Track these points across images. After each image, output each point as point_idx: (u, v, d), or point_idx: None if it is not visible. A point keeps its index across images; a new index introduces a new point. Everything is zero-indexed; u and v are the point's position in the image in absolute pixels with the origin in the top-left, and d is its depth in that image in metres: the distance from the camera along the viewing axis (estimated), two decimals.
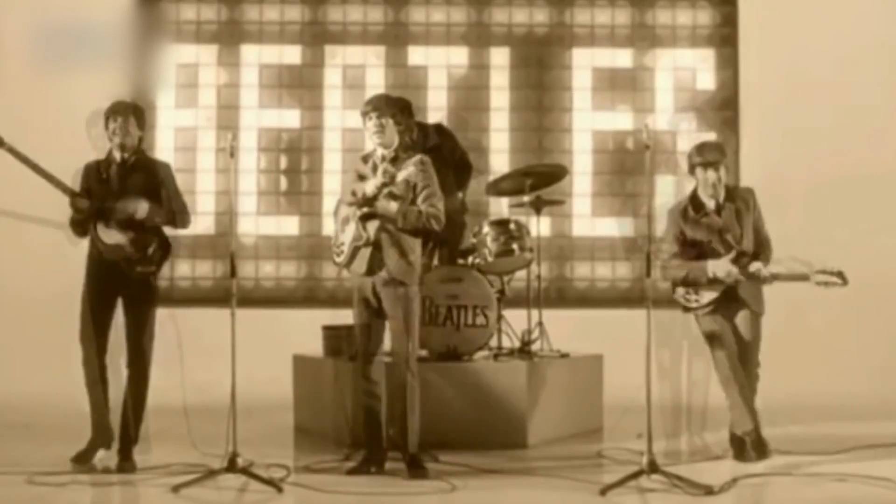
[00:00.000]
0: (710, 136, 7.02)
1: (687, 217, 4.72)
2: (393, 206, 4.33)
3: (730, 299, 4.70)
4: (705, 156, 4.70)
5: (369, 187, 4.34)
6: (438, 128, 5.81)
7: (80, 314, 4.57)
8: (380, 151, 4.49)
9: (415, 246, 4.46)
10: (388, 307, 4.40)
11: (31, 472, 4.28)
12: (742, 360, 4.71)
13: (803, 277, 4.55)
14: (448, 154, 5.51)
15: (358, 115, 7.08)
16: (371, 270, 4.38)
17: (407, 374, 4.39)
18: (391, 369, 4.46)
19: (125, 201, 4.50)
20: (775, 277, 4.62)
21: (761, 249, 4.75)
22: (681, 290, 4.71)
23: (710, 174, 4.66)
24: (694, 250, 4.70)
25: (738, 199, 4.74)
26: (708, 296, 4.68)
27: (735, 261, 4.62)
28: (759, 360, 4.81)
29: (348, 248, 4.41)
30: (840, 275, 4.49)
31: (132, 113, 4.65)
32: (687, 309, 4.76)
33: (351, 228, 4.40)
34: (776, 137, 6.93)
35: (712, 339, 4.70)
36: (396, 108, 4.52)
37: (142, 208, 4.49)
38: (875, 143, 6.93)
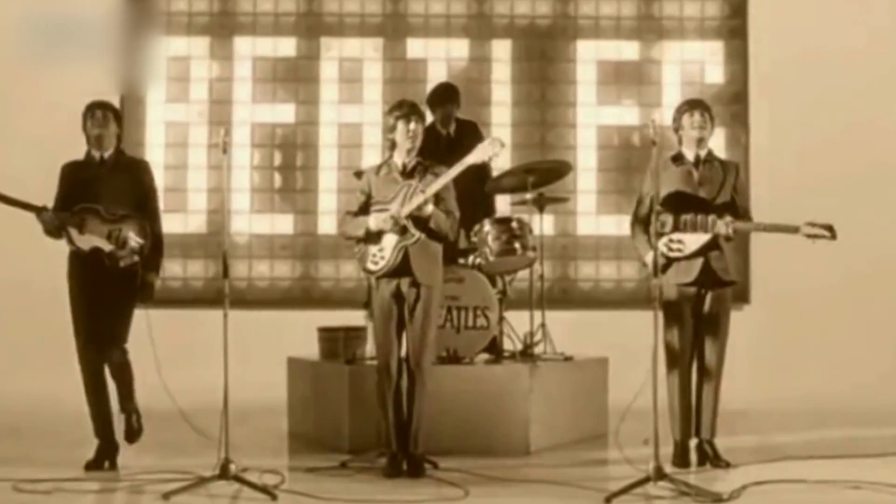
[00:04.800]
0: (719, 131, 6.98)
1: (665, 169, 4.61)
2: (429, 207, 4.41)
3: (703, 272, 4.56)
4: (692, 102, 4.73)
5: (430, 209, 4.40)
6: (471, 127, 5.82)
7: (71, 313, 4.57)
8: (399, 161, 4.53)
9: (438, 250, 4.55)
10: (410, 309, 4.48)
11: (16, 479, 4.20)
12: (702, 361, 4.60)
13: (792, 230, 4.45)
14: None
15: (355, 109, 7.19)
16: (398, 273, 4.46)
17: (419, 374, 4.46)
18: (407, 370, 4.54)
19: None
20: (763, 228, 4.57)
21: (736, 214, 4.62)
22: (663, 239, 4.53)
23: (697, 116, 4.62)
24: (672, 202, 4.57)
25: (720, 161, 4.71)
26: (694, 242, 4.53)
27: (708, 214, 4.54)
28: (724, 359, 4.65)
29: (393, 251, 4.44)
30: (829, 228, 4.41)
31: (110, 109, 4.63)
32: (668, 259, 4.54)
33: (391, 236, 4.46)
34: (787, 132, 6.89)
35: (669, 318, 4.56)
36: (423, 114, 4.60)
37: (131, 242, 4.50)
38: (889, 137, 6.91)
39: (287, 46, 7.15)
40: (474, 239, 5.40)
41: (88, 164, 4.57)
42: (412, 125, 4.47)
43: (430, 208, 4.39)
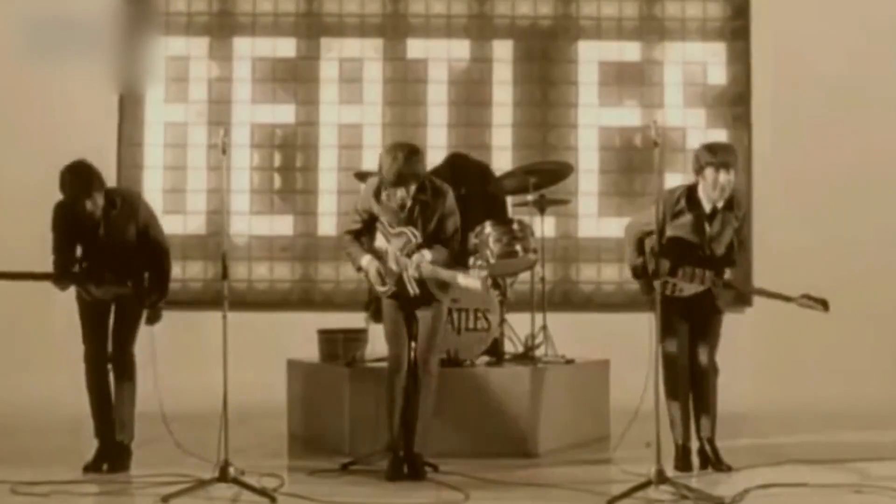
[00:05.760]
0: (721, 133, 6.97)
1: (676, 212, 4.53)
2: (424, 269, 4.36)
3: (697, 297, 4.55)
4: (720, 156, 4.51)
5: (426, 272, 4.36)
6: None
7: (79, 314, 4.57)
8: (399, 193, 4.42)
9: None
10: (420, 315, 4.49)
11: (14, 482, 4.17)
12: (695, 364, 4.59)
13: (786, 299, 4.39)
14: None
15: (355, 110, 7.16)
16: (405, 297, 4.48)
17: (425, 376, 4.47)
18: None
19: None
20: (758, 293, 4.47)
21: (734, 255, 4.57)
22: (660, 279, 4.48)
23: (723, 176, 4.46)
24: (674, 248, 4.50)
25: (734, 206, 4.56)
26: (690, 288, 4.51)
27: (708, 267, 4.46)
28: (717, 366, 4.63)
29: (394, 285, 4.45)
30: (824, 303, 4.35)
31: (86, 177, 4.40)
32: (652, 291, 4.49)
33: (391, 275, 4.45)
34: (789, 134, 6.87)
35: (667, 336, 4.52)
36: (422, 170, 4.40)
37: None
38: (891, 138, 6.87)
39: (287, 47, 7.11)
40: (475, 241, 5.36)
41: (81, 215, 4.44)
42: (400, 194, 4.35)
43: (426, 270, 4.34)
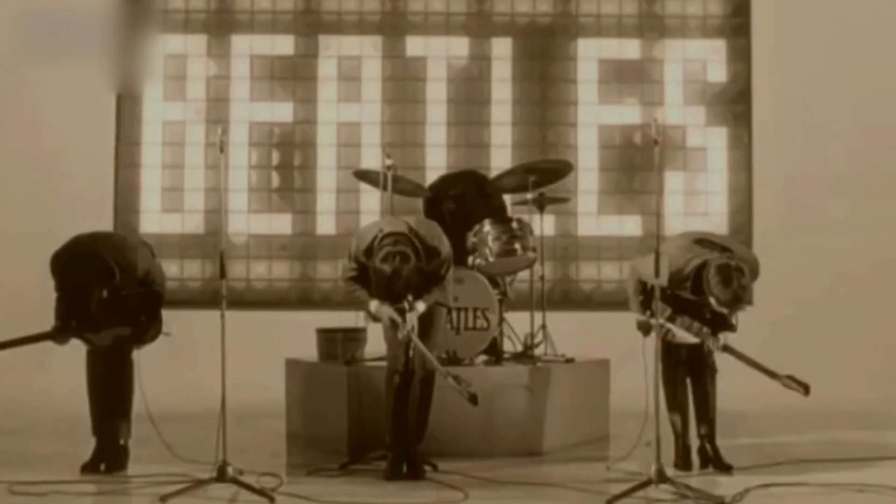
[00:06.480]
0: (721, 131, 6.96)
1: (682, 287, 4.45)
2: (420, 306, 4.39)
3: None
4: (731, 295, 4.29)
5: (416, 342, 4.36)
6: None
7: None
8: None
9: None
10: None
11: (12, 482, 4.16)
12: (693, 369, 4.59)
13: (771, 375, 4.35)
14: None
15: (354, 108, 7.16)
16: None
17: (425, 380, 4.47)
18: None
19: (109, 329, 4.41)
20: (747, 362, 4.38)
21: (732, 319, 4.50)
22: (656, 320, 4.44)
23: (726, 311, 4.38)
24: (675, 300, 4.47)
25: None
26: (683, 337, 4.49)
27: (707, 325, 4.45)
28: (716, 366, 4.62)
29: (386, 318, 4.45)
30: (806, 388, 4.31)
31: (92, 296, 4.30)
32: (648, 331, 4.47)
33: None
34: (790, 132, 6.89)
35: (667, 348, 4.49)
36: (413, 277, 4.31)
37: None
38: (892, 137, 6.87)
39: (285, 44, 7.12)
40: (474, 240, 5.35)
41: None
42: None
43: (416, 343, 4.33)
